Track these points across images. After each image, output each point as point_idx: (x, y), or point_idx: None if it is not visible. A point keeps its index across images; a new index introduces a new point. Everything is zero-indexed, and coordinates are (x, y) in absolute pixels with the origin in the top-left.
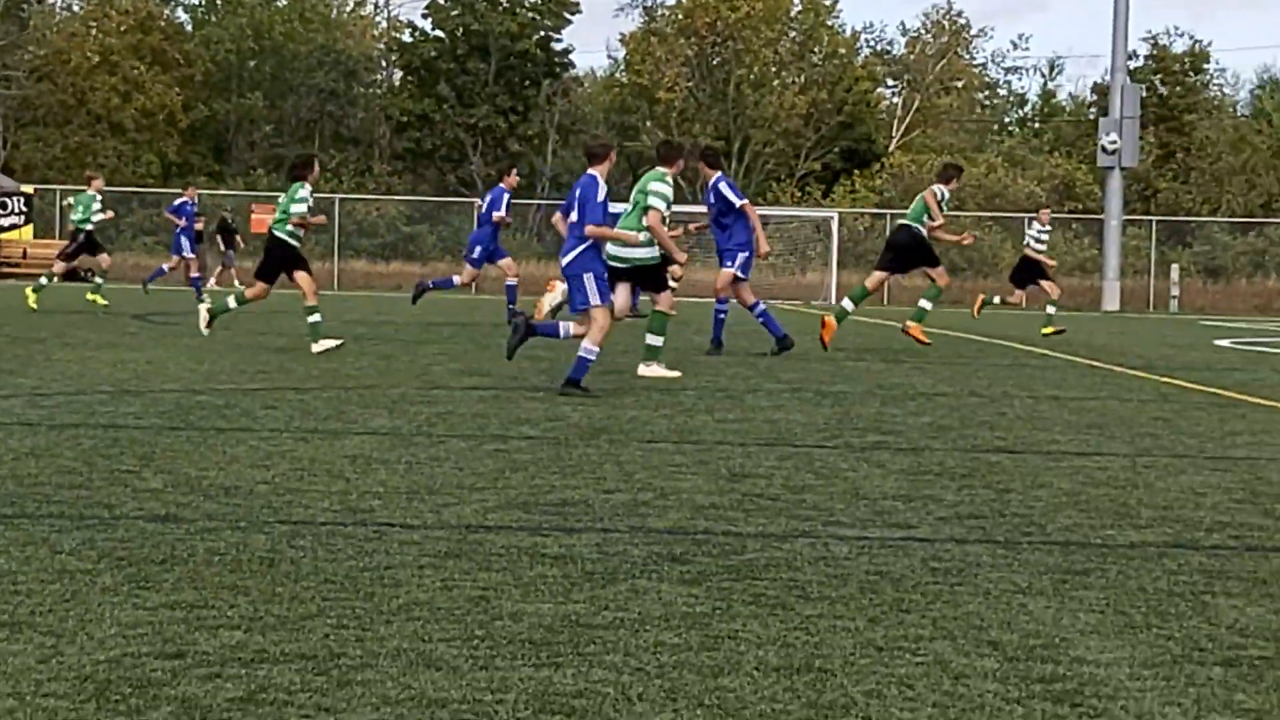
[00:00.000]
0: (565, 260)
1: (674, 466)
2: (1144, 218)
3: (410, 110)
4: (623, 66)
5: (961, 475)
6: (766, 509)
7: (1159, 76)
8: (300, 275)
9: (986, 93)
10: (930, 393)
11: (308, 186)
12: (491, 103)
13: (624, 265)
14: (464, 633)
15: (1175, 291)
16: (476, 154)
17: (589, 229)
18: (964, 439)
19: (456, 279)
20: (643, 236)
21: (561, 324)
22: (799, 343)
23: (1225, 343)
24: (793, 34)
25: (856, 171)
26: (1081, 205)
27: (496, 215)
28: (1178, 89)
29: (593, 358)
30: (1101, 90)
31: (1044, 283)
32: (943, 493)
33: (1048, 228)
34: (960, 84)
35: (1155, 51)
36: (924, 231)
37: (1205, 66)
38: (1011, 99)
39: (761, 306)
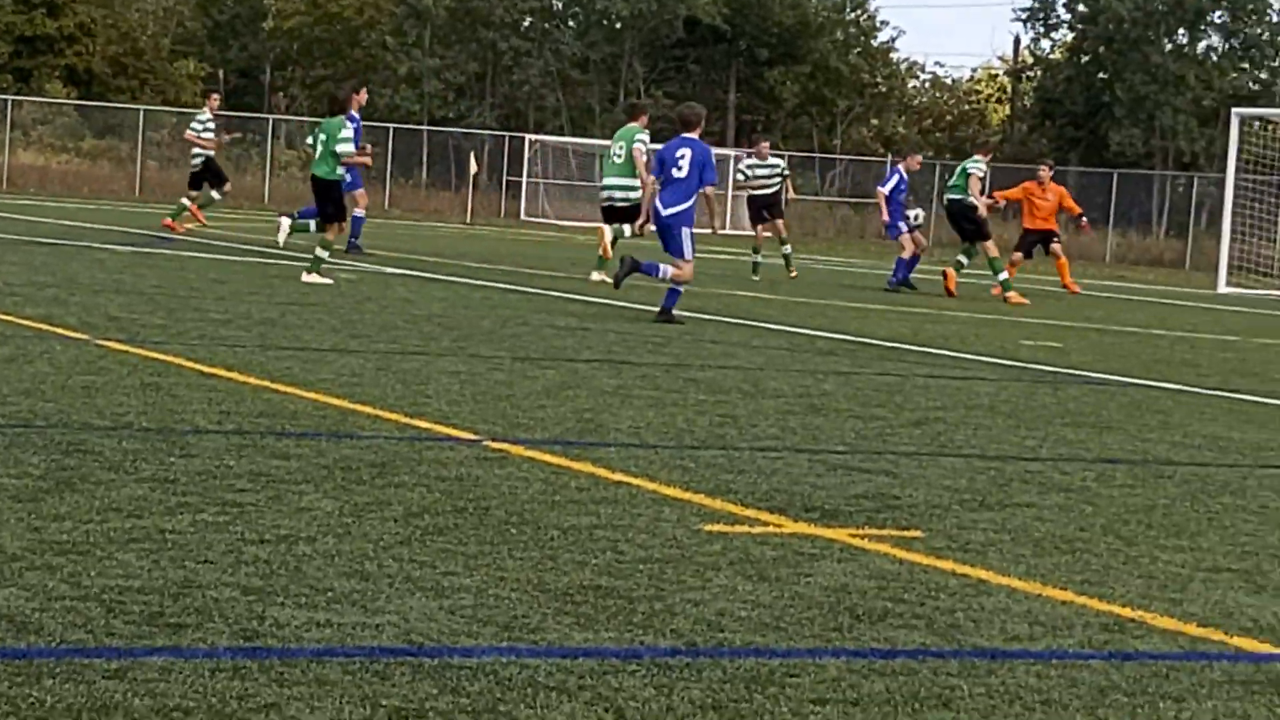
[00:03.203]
0: (668, 212)
1: None
2: None
3: None
4: None
5: None
6: None
7: None
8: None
9: None
10: None
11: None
12: None
13: (627, 205)
14: None
15: None
16: None
17: (709, 190)
18: None
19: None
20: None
21: (661, 265)
22: None
23: None
24: None
25: None
26: None
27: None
28: None
29: (682, 290)
30: None
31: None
32: None
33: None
34: None
35: None
36: (973, 204)
37: None
38: None
39: None
